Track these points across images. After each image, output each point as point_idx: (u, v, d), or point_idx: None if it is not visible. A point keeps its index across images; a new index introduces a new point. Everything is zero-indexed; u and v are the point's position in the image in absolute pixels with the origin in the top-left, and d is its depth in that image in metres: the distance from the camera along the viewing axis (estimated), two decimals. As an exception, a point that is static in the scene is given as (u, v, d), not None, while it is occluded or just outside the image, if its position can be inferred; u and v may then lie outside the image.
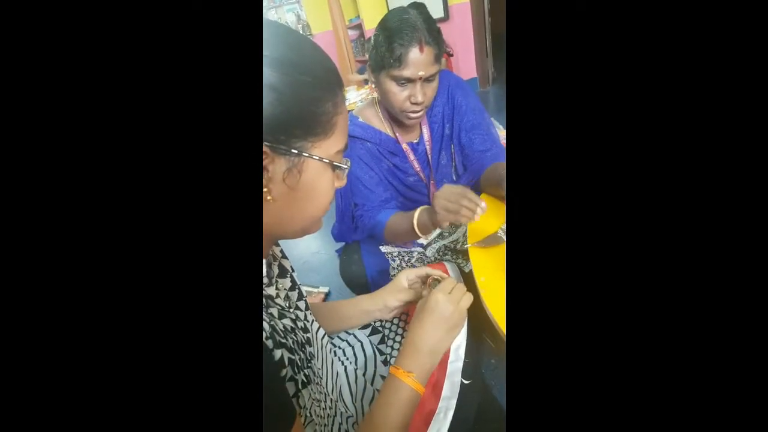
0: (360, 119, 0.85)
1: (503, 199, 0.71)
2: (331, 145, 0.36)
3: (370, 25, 3.97)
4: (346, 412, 0.53)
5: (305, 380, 0.40)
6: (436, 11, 3.15)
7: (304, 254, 1.84)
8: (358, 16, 3.99)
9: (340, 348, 0.63)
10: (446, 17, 3.59)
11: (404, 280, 0.61)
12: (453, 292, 0.49)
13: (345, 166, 0.38)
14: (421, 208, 0.70)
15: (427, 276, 0.60)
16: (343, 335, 0.65)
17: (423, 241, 0.94)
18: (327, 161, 0.36)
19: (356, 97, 2.39)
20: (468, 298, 0.50)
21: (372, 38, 0.73)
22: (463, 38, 3.62)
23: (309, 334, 0.46)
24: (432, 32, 0.69)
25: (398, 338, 0.63)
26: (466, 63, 3.78)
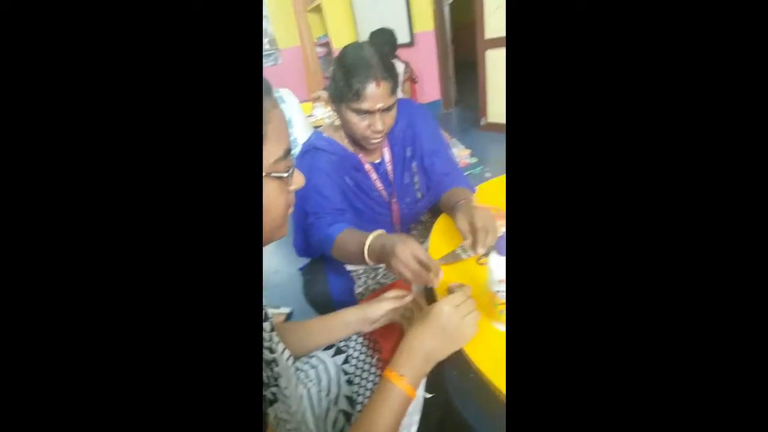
0: (325, 134, 0.87)
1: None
2: (266, 155, 0.35)
3: (338, 44, 4.05)
4: (309, 434, 0.52)
5: (272, 398, 0.39)
6: (402, 37, 3.28)
7: (264, 274, 1.79)
8: (326, 35, 4.06)
9: (302, 371, 0.62)
10: (411, 43, 3.75)
11: (390, 293, 0.62)
12: (461, 307, 0.48)
13: (284, 175, 0.38)
14: (376, 234, 0.66)
15: (417, 303, 0.61)
16: (304, 358, 0.64)
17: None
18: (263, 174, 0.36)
19: (324, 113, 2.40)
20: (475, 316, 0.49)
21: (331, 72, 0.76)
22: (427, 63, 3.79)
23: (275, 355, 0.45)
24: (387, 67, 0.73)
25: (362, 356, 0.63)
26: (430, 86, 3.94)
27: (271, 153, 0.36)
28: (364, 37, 3.59)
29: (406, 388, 0.44)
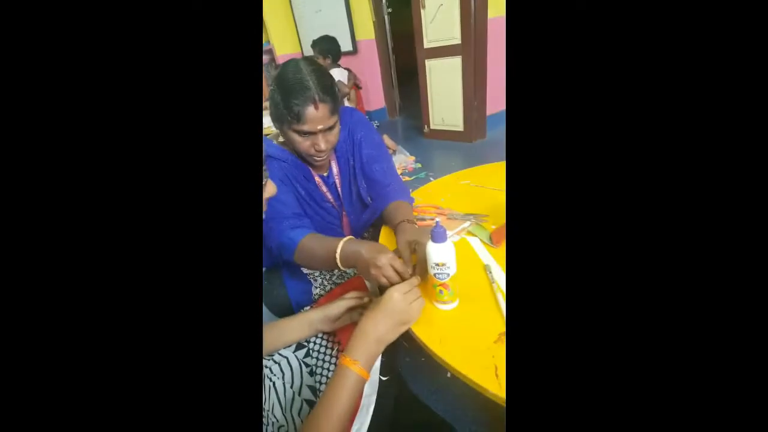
0: (275, 142, 0.88)
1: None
2: None
3: (281, 51, 4.02)
4: (277, 422, 0.56)
5: None
6: (344, 44, 3.35)
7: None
8: (269, 42, 4.02)
9: (267, 367, 0.66)
10: (354, 51, 3.84)
11: (349, 294, 0.68)
12: (408, 294, 0.55)
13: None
14: (346, 239, 0.69)
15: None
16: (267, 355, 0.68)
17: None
18: None
19: (270, 123, 2.39)
20: (420, 302, 0.56)
21: (270, 93, 0.77)
22: (371, 70, 3.90)
23: None
24: (325, 88, 0.73)
25: (323, 349, 0.68)
26: (375, 93, 4.05)
27: None
28: (307, 43, 3.61)
29: (360, 371, 0.50)
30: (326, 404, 0.48)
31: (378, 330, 0.53)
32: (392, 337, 0.55)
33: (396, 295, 0.55)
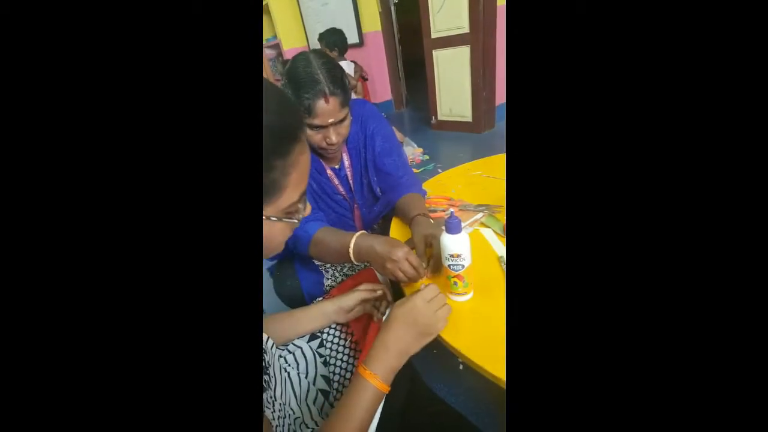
0: None
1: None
2: (282, 202, 0.36)
3: (288, 45, 4.01)
4: (293, 414, 0.57)
5: (264, 386, 0.43)
6: (351, 37, 3.33)
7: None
8: (275, 36, 4.00)
9: (282, 357, 0.67)
10: (361, 43, 3.81)
11: (362, 286, 0.68)
12: (432, 302, 0.51)
13: (294, 221, 0.40)
14: (359, 234, 0.70)
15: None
16: (281, 345, 0.69)
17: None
18: (275, 219, 0.37)
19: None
20: (446, 310, 0.52)
21: (281, 86, 0.77)
22: (377, 62, 3.87)
23: (265, 346, 0.50)
24: (335, 80, 0.73)
25: (335, 340, 0.69)
26: (381, 85, 4.02)
27: (287, 200, 0.36)
28: (314, 37, 3.59)
29: (380, 385, 0.47)
30: (343, 416, 0.45)
31: (400, 343, 0.50)
32: (415, 349, 0.51)
33: (419, 303, 0.51)
